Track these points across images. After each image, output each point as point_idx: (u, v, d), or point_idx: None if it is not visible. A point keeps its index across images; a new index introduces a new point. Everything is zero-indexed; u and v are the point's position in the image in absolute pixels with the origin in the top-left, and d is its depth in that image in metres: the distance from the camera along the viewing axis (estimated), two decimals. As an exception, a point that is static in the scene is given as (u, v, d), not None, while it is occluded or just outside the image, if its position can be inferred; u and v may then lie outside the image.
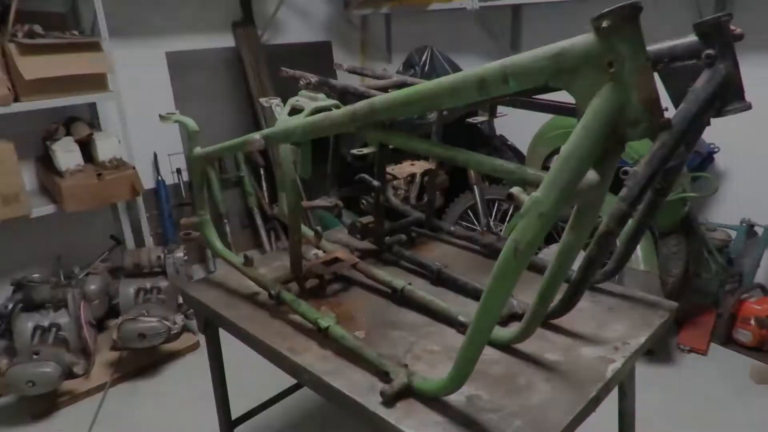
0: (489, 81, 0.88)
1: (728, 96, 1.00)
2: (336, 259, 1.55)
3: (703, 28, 0.98)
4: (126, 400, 2.44)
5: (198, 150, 1.51)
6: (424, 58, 2.92)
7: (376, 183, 1.57)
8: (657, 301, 1.39)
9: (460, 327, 1.29)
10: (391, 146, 1.35)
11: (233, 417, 1.81)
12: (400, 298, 1.43)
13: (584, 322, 1.31)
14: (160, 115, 1.51)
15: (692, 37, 1.01)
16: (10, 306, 2.54)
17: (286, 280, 1.49)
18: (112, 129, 3.10)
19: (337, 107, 1.27)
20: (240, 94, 3.85)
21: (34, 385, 2.16)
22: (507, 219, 3.25)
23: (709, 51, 0.98)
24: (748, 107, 1.00)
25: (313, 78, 1.68)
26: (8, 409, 2.38)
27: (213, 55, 3.71)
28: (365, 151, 1.28)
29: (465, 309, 1.38)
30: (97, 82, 2.76)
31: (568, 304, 1.23)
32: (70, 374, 2.32)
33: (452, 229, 1.81)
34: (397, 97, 1.04)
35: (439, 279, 1.52)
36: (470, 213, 3.27)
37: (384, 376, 1.11)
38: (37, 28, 2.51)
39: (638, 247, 2.40)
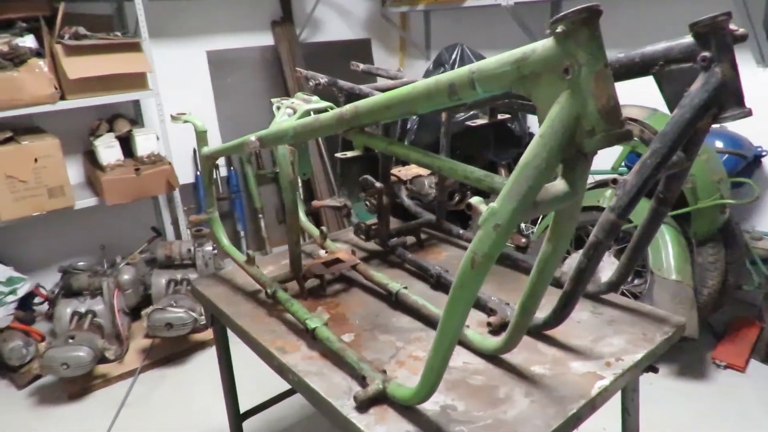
0: (458, 86, 0.86)
1: (726, 101, 0.93)
2: (337, 260, 1.56)
3: (699, 29, 0.92)
4: (154, 386, 2.55)
5: (205, 149, 1.55)
6: (454, 56, 2.88)
7: (378, 184, 1.56)
8: (664, 315, 1.31)
9: (449, 334, 1.26)
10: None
11: (246, 409, 1.86)
12: (395, 302, 1.42)
13: (580, 334, 1.26)
14: (171, 116, 1.56)
15: (689, 38, 0.95)
16: (56, 291, 2.72)
17: (285, 279, 1.51)
18: (153, 126, 3.23)
19: (331, 109, 1.27)
20: (278, 91, 3.93)
21: (68, 367, 2.30)
22: (539, 220, 3.16)
23: (705, 53, 0.92)
24: (747, 114, 0.93)
25: (323, 78, 1.69)
26: (48, 388, 2.54)
27: (252, 53, 3.81)
28: (349, 154, 1.28)
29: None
30: (137, 80, 2.89)
31: (560, 315, 1.19)
32: (102, 359, 2.45)
33: (461, 232, 1.78)
34: (378, 101, 1.03)
35: (438, 283, 1.50)
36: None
37: (362, 380, 1.11)
38: (82, 30, 2.64)
39: (670, 255, 2.29)
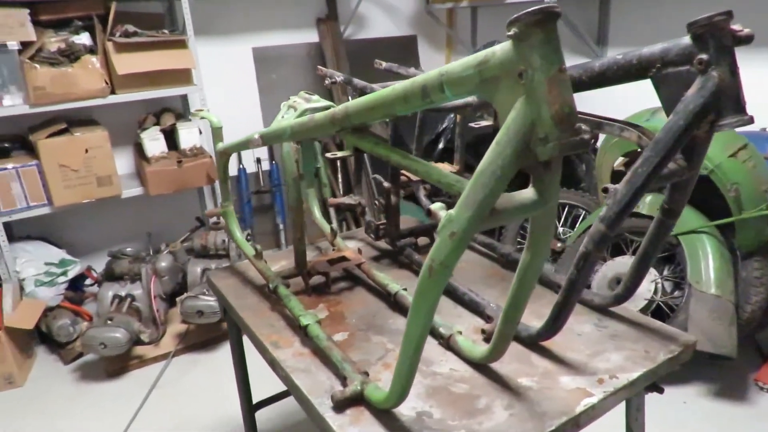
0: (430, 89, 0.85)
1: (724, 108, 0.86)
2: (342, 258, 1.57)
3: (696, 29, 0.85)
4: (185, 370, 2.67)
5: (220, 145, 1.60)
6: (491, 53, 2.80)
7: (386, 184, 1.55)
8: (673, 333, 1.24)
9: (441, 339, 1.25)
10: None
11: (259, 400, 1.91)
12: (393, 303, 1.41)
13: (578, 347, 1.21)
14: (191, 112, 1.62)
15: (687, 40, 0.88)
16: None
17: (290, 274, 1.53)
18: (197, 120, 3.36)
19: (330, 108, 1.28)
20: (321, 88, 3.97)
21: (106, 347, 2.44)
22: (578, 223, 3.05)
23: (702, 56, 0.85)
24: (747, 122, 0.85)
25: (339, 77, 1.70)
26: (90, 365, 2.70)
27: (297, 50, 3.87)
28: (339, 154, 1.28)
29: (453, 320, 1.34)
30: (182, 76, 3.01)
31: (552, 327, 1.14)
32: (137, 341, 2.58)
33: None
34: (363, 102, 1.03)
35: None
36: (537, 217, 3.11)
37: (343, 380, 1.11)
38: (131, 28, 2.78)
39: (710, 267, 2.15)
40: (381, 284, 1.46)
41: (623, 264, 2.47)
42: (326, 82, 1.68)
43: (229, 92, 3.60)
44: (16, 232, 3.09)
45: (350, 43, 4.03)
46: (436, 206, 0.78)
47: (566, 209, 3.06)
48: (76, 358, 2.75)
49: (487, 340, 1.25)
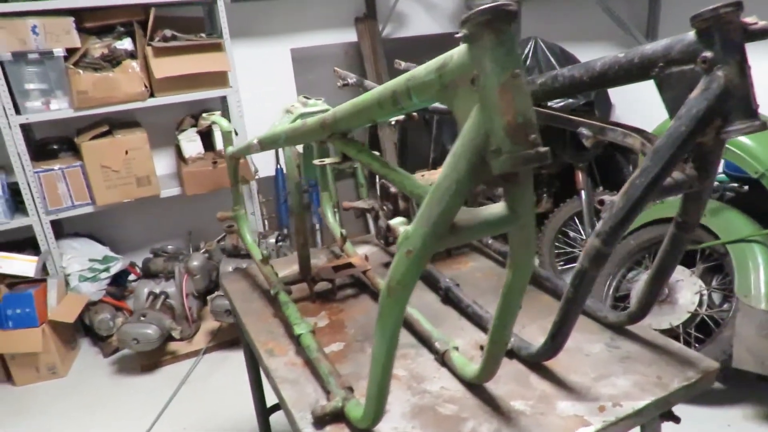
0: (398, 95, 0.80)
1: (731, 112, 0.76)
2: (348, 264, 1.53)
3: (700, 23, 0.76)
4: (215, 367, 2.72)
5: (230, 149, 1.60)
6: (527, 50, 2.69)
7: (393, 189, 1.51)
8: (693, 358, 1.12)
9: (436, 354, 1.19)
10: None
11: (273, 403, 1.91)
12: (394, 313, 1.36)
13: (583, 369, 1.12)
14: (202, 115, 1.63)
15: (691, 35, 0.79)
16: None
17: (294, 280, 1.51)
18: (237, 121, 3.42)
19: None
20: (353, 89, 3.96)
21: (138, 342, 2.52)
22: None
23: (706, 53, 0.76)
24: (759, 128, 0.75)
25: (351, 79, 1.67)
26: (126, 359, 2.81)
27: (335, 50, 3.87)
28: (327, 161, 1.23)
29: (455, 333, 1.27)
30: (219, 78, 3.07)
31: (551, 347, 1.06)
32: (169, 337, 2.65)
33: (489, 241, 1.67)
34: (347, 108, 0.99)
35: (447, 297, 1.42)
36: (576, 220, 2.97)
37: (328, 394, 1.08)
38: (169, 33, 2.86)
39: (761, 280, 1.97)
40: (383, 293, 1.41)
41: (665, 273, 2.30)
42: (339, 83, 1.65)
43: (269, 93, 3.64)
44: (66, 229, 3.25)
45: (389, 41, 3.98)
46: (396, 221, 0.73)
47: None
48: (115, 352, 2.86)
49: (486, 356, 1.18)
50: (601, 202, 0.88)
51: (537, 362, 1.14)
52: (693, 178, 0.88)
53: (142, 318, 2.57)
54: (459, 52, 0.65)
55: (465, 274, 1.59)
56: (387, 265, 1.68)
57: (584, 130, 0.99)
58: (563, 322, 1.00)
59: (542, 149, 0.59)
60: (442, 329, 1.29)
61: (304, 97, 1.36)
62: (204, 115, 1.63)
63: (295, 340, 1.29)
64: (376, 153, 1.07)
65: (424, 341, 1.25)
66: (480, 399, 1.06)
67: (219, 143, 3.09)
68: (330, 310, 1.46)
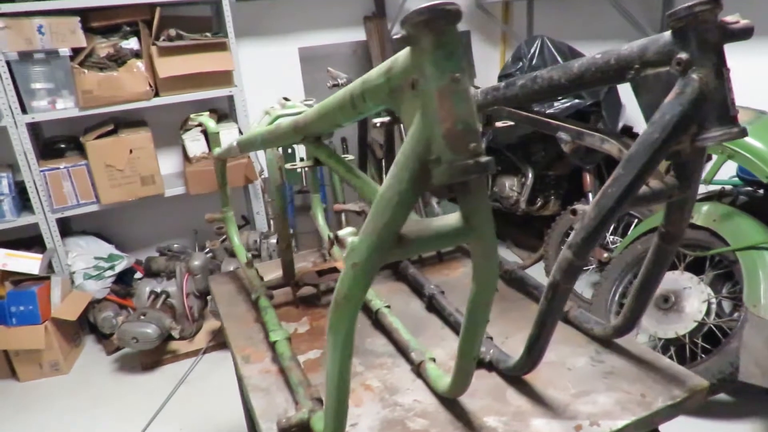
0: (355, 99, 0.76)
1: (707, 118, 0.70)
2: (333, 269, 1.50)
3: (675, 22, 0.71)
4: (215, 366, 2.71)
5: (216, 150, 1.58)
6: (533, 49, 2.62)
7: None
8: (682, 375, 1.06)
9: (412, 365, 1.15)
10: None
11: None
12: (375, 321, 1.33)
13: (564, 384, 1.07)
14: (190, 117, 1.61)
15: (668, 35, 0.74)
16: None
17: (278, 285, 1.49)
18: (243, 121, 3.42)
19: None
20: (367, 87, 3.93)
21: (137, 341, 2.53)
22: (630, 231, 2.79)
23: (681, 55, 0.70)
24: (737, 135, 0.69)
25: (341, 79, 1.63)
26: (128, 357, 2.82)
27: (343, 49, 3.84)
28: (298, 165, 1.20)
29: (435, 343, 1.23)
30: (224, 78, 3.07)
31: (527, 361, 1.01)
32: (169, 336, 2.66)
33: (481, 248, 1.61)
34: (315, 111, 0.96)
35: (431, 305, 1.38)
36: (583, 224, 2.88)
37: (296, 405, 1.05)
38: (173, 32, 2.86)
39: (772, 290, 1.88)
40: (366, 299, 1.37)
41: (673, 281, 2.22)
42: (328, 84, 1.62)
43: (276, 92, 3.61)
44: (74, 227, 3.29)
45: (398, 40, 3.93)
46: (344, 232, 0.70)
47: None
48: (117, 350, 2.87)
49: (464, 368, 1.14)
50: (574, 212, 0.83)
51: (514, 376, 1.09)
52: (673, 187, 0.82)
53: (142, 317, 2.58)
54: (403, 54, 0.61)
55: (454, 280, 1.54)
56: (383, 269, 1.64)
57: (562, 135, 0.94)
58: (538, 337, 0.96)
59: (483, 159, 0.55)
60: (423, 338, 1.26)
61: (285, 98, 1.33)
62: (191, 116, 1.62)
63: (273, 346, 1.27)
64: (350, 157, 1.04)
65: (403, 351, 1.21)
66: (452, 414, 1.02)
67: (223, 143, 3.08)
68: (312, 315, 1.43)
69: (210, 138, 1.59)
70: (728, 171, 2.33)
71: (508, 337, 1.24)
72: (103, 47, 2.85)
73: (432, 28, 0.54)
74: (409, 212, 0.63)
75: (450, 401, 1.05)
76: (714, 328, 2.08)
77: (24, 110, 2.72)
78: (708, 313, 2.10)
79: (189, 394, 2.52)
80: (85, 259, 2.98)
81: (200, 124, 3.05)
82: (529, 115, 1.02)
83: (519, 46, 2.77)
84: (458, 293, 1.45)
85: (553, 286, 0.88)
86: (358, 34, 3.86)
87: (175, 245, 3.28)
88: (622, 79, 0.80)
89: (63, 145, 3.01)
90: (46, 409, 2.51)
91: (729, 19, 0.70)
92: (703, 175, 2.18)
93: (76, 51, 2.75)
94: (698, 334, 2.10)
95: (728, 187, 2.38)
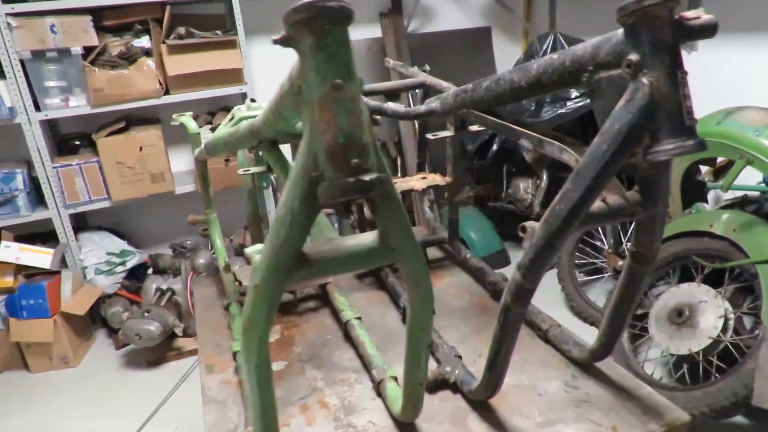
0: (278, 104, 0.70)
1: (660, 128, 0.62)
2: (311, 276, 1.45)
3: (625, 18, 0.62)
4: (218, 366, 2.71)
5: (196, 151, 1.55)
6: (545, 46, 2.51)
7: (358, 198, 1.41)
8: (662, 406, 0.97)
9: (373, 382, 1.09)
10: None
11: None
12: (345, 332, 1.27)
13: (530, 411, 0.99)
14: (172, 117, 1.59)
15: (621, 34, 0.65)
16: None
17: (253, 290, 1.44)
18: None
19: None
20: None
21: (141, 338, 2.54)
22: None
23: (631, 56, 0.62)
24: (692, 149, 0.60)
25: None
26: (135, 353, 2.84)
27: (358, 46, 3.78)
28: (252, 170, 1.14)
29: (399, 360, 1.17)
30: (233, 76, 3.05)
31: (487, 387, 0.94)
32: (172, 334, 2.67)
33: (468, 256, 1.54)
34: (263, 114, 0.91)
35: (405, 317, 1.31)
36: (599, 228, 2.76)
37: (246, 421, 1.01)
38: (182, 30, 2.86)
39: (791, 309, 1.73)
40: (338, 309, 1.32)
41: (689, 293, 2.08)
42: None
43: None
44: (90, 222, 3.34)
45: (415, 37, 3.86)
46: (251, 250, 0.64)
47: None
48: (126, 345, 2.90)
49: (428, 389, 1.07)
50: (523, 229, 0.75)
51: (479, 400, 1.02)
52: (635, 204, 0.74)
53: (146, 314, 2.59)
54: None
55: (437, 290, 1.46)
56: (361, 276, 1.58)
57: (525, 143, 0.86)
58: (494, 363, 0.88)
59: (366, 178, 0.48)
60: (393, 353, 1.19)
61: (251, 99, 1.28)
62: (174, 116, 1.60)
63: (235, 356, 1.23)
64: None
65: (367, 367, 1.15)
66: (406, 439, 0.96)
67: (233, 141, 3.08)
68: (286, 323, 1.38)
69: (192, 139, 1.56)
70: (756, 176, 2.17)
71: (481, 356, 1.16)
72: (116, 45, 2.88)
73: (311, 28, 0.48)
74: (305, 231, 0.57)
75: (406, 425, 0.99)
76: (730, 346, 1.94)
77: (37, 108, 2.76)
78: (725, 329, 1.96)
79: (190, 392, 2.52)
80: (98, 254, 3.03)
81: (211, 122, 3.06)
82: (495, 120, 0.94)
83: (531, 42, 2.66)
84: (438, 305, 1.37)
85: (504, 309, 0.80)
86: (374, 31, 3.79)
87: (188, 242, 3.29)
88: (578, 82, 0.72)
89: (77, 142, 3.05)
90: (53, 401, 2.56)
91: (689, 14, 0.61)
92: (721, 181, 2.04)
93: (88, 49, 2.78)
94: (713, 352, 1.96)
95: (754, 193, 2.22)
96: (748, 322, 2.09)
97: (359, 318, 1.26)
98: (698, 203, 2.34)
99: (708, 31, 0.61)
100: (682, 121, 0.60)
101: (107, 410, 2.45)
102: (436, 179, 1.48)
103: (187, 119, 1.57)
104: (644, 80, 0.60)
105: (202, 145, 1.28)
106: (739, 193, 2.28)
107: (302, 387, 1.13)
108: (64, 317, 2.75)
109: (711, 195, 2.69)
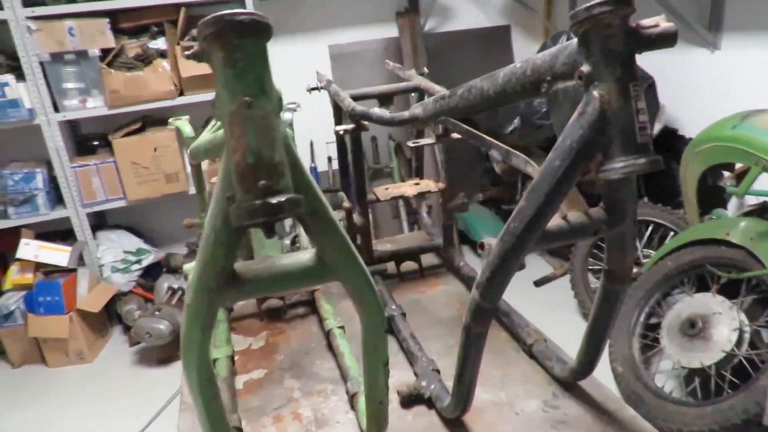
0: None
1: (611, 144, 0.58)
2: (299, 282, 1.44)
3: (577, 27, 0.59)
4: (226, 365, 2.73)
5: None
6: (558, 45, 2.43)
7: (347, 204, 1.39)
8: (642, 430, 0.92)
9: (347, 395, 1.07)
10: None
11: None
12: (328, 342, 1.26)
13: (506, 430, 0.95)
14: (169, 120, 1.60)
15: (575, 43, 0.62)
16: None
17: (242, 296, 1.44)
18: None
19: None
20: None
21: (151, 336, 2.59)
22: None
23: (583, 67, 0.58)
24: (646, 167, 0.56)
25: (321, 83, 1.57)
26: (147, 350, 2.89)
27: (375, 45, 3.76)
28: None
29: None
30: (247, 77, 3.07)
31: (455, 405, 0.91)
32: (181, 333, 2.70)
33: (461, 264, 1.50)
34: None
35: (390, 327, 1.29)
36: (614, 235, 2.67)
37: (216, 431, 1.00)
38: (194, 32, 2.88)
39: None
40: (322, 317, 1.30)
41: (703, 304, 2.00)
42: (307, 87, 1.56)
43: (305, 92, 3.60)
44: (109, 221, 3.42)
45: (432, 36, 3.81)
46: (188, 266, 0.63)
47: (650, 228, 2.58)
48: (139, 342, 2.96)
49: (402, 403, 1.05)
50: (482, 246, 0.72)
51: (453, 418, 0.99)
52: (599, 221, 0.70)
53: (157, 312, 2.64)
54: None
55: (428, 298, 1.44)
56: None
57: (494, 154, 0.83)
58: (461, 382, 0.85)
59: (273, 200, 0.46)
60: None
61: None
62: (170, 120, 1.61)
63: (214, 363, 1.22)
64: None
65: (345, 377, 1.13)
66: (373, 457, 0.93)
67: (245, 142, 3.10)
68: (273, 330, 1.37)
69: (186, 143, 1.56)
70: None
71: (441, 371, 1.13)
72: (132, 47, 2.92)
73: (222, 42, 0.46)
74: (231, 250, 0.55)
75: (377, 443, 0.96)
76: (744, 361, 1.85)
77: (56, 109, 2.83)
78: (740, 342, 1.87)
79: (197, 391, 2.55)
80: (114, 252, 3.09)
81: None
82: (470, 129, 0.91)
83: (545, 43, 2.59)
84: (426, 315, 1.36)
85: (466, 329, 0.77)
86: (390, 31, 3.76)
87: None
88: (538, 92, 0.68)
89: (96, 143, 3.12)
90: (67, 395, 2.62)
91: (646, 22, 0.57)
92: (738, 186, 1.94)
93: (105, 51, 2.83)
94: (727, 366, 1.88)
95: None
96: (766, 335, 1.99)
97: (342, 327, 1.25)
98: (717, 209, 2.24)
99: (666, 39, 0.56)
100: (635, 137, 0.56)
101: (118, 406, 2.50)
102: (429, 185, 1.45)
103: (183, 123, 1.58)
104: (595, 93, 0.57)
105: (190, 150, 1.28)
106: (756, 200, 2.17)
107: (278, 397, 1.12)
108: (80, 314, 2.82)
109: (734, 201, 2.58)
